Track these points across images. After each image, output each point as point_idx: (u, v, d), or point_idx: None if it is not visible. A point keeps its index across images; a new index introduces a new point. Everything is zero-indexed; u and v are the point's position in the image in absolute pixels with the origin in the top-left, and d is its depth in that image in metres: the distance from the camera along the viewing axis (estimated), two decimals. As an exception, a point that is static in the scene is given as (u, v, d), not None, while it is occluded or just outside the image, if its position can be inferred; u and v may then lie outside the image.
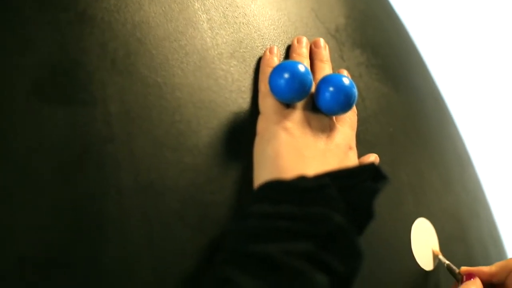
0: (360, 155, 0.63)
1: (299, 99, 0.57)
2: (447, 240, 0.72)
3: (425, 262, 0.68)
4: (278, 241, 0.49)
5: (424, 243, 0.69)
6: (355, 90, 0.58)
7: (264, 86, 0.58)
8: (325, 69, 0.62)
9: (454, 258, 0.72)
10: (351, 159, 0.58)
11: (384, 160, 0.67)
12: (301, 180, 0.52)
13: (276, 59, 0.60)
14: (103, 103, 0.53)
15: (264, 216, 0.50)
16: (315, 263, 0.49)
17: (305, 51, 0.63)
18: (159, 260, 0.51)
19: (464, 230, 0.77)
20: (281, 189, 0.52)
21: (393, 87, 0.72)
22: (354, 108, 0.62)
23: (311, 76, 0.57)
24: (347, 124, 0.60)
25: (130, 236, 0.51)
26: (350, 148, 0.59)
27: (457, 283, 0.67)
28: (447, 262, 0.69)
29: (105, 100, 0.53)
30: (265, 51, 0.61)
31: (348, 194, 0.52)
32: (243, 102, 0.59)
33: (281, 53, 0.63)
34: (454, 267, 0.68)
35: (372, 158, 0.62)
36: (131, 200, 0.51)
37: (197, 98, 0.56)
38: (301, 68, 0.56)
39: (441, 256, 0.70)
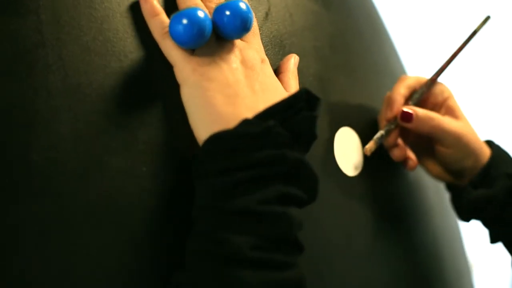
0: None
1: (201, 44, 0.58)
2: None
3: (348, 168, 0.73)
4: (247, 193, 0.52)
5: (348, 150, 0.73)
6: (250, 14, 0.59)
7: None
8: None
9: (375, 164, 0.77)
10: (267, 73, 0.60)
11: (310, 73, 0.71)
12: (245, 126, 0.54)
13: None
14: (35, 13, 0.56)
15: (223, 172, 0.53)
16: (286, 201, 0.53)
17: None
18: (86, 156, 0.55)
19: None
20: (229, 140, 0.54)
21: (323, 5, 0.76)
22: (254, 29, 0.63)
23: (209, 21, 0.58)
24: (249, 42, 0.62)
25: (58, 135, 0.55)
26: (263, 61, 0.61)
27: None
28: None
29: (37, 10, 0.56)
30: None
31: (290, 125, 0.55)
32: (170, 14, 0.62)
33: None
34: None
35: (291, 59, 0.64)
36: (59, 101, 0.55)
37: (124, 9, 0.60)
38: (200, 14, 0.57)
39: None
